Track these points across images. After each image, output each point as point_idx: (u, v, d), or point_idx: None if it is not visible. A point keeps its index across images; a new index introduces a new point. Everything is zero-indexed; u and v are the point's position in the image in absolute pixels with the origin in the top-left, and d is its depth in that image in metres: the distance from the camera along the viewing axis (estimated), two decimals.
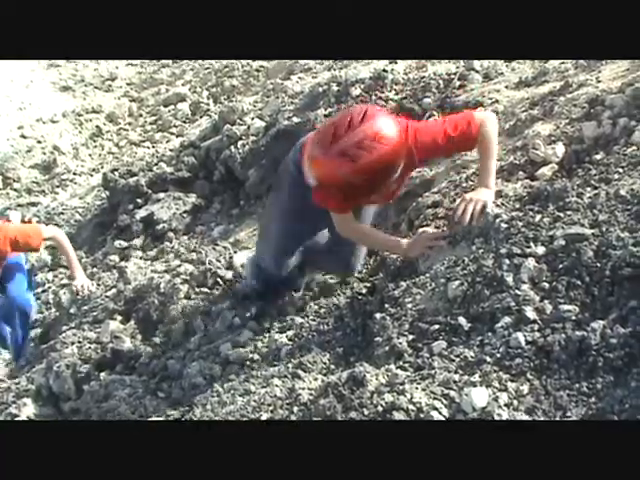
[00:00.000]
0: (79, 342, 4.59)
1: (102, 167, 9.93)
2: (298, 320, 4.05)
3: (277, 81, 8.06)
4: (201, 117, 10.07)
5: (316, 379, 3.36)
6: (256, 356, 3.89)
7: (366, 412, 2.87)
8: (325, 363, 3.52)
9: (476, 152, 3.92)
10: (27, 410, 4.17)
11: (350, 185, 3.52)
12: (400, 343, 3.23)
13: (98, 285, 5.94)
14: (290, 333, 3.99)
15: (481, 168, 3.85)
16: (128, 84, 12.09)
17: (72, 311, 5.52)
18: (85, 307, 5.53)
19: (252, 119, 6.87)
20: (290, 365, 3.63)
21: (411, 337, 3.25)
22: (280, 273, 4.21)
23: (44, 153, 10.54)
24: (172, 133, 10.09)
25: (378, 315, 3.52)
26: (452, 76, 5.75)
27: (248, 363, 3.86)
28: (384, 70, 6.23)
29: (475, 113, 3.88)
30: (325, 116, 6.23)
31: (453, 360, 2.96)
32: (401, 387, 2.89)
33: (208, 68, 11.16)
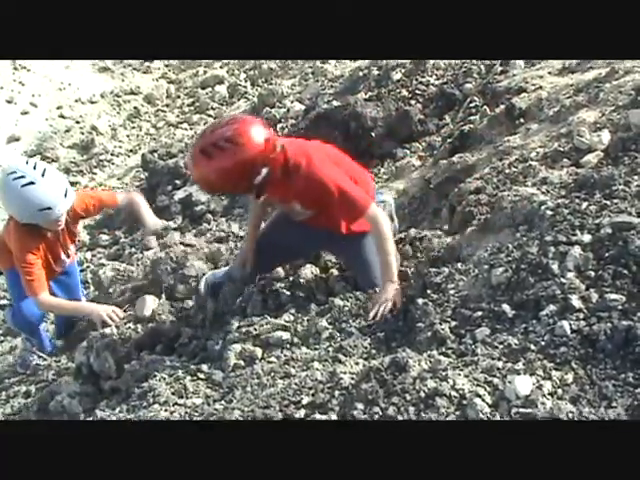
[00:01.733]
0: (119, 320, 4.61)
1: (140, 148, 9.98)
2: (338, 303, 4.04)
3: (317, 64, 8.03)
4: (238, 100, 10.07)
5: (357, 363, 3.35)
6: (296, 339, 3.89)
7: (408, 397, 2.86)
8: (366, 347, 3.51)
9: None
10: (68, 388, 4.20)
11: (208, 182, 3.89)
12: (443, 329, 3.22)
13: (137, 266, 5.97)
14: (330, 316, 3.98)
15: (381, 264, 3.93)
16: (166, 66, 12.14)
17: (111, 290, 5.56)
18: (122, 287, 5.57)
19: (291, 102, 6.87)
20: (331, 349, 3.63)
21: (454, 323, 3.25)
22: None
23: (82, 133, 10.61)
24: (209, 115, 10.10)
25: (420, 301, 3.51)
26: (494, 62, 5.69)
27: (288, 346, 3.86)
28: None
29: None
30: (365, 100, 6.22)
31: (496, 347, 2.95)
32: (444, 373, 2.88)
33: None
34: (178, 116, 10.57)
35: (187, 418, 3.51)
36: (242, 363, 3.85)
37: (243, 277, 4.44)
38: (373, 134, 6.10)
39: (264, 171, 3.88)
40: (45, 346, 5.31)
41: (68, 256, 5.17)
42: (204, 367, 3.93)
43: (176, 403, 3.69)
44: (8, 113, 10.97)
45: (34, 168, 4.58)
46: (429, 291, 3.58)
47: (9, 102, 11.09)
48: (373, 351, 3.47)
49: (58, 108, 11.06)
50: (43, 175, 4.56)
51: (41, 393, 4.36)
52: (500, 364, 2.83)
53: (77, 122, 10.88)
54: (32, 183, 4.52)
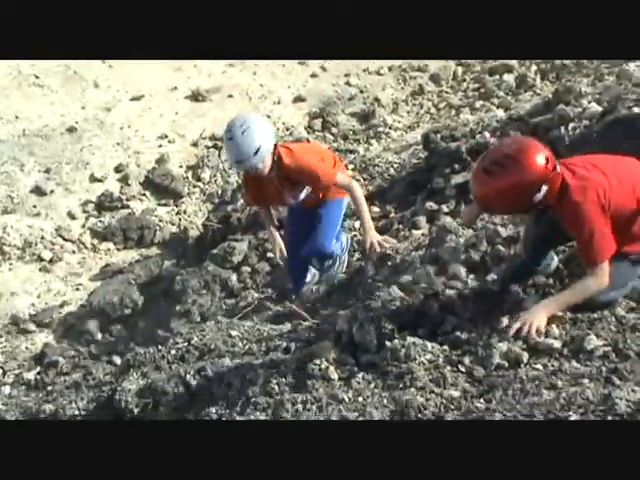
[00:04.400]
0: (386, 296, 4.62)
1: (418, 125, 10.00)
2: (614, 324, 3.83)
3: (622, 66, 7.61)
4: (525, 92, 9.82)
5: (634, 391, 3.15)
6: (566, 351, 3.73)
7: None
8: None
9: None
10: (326, 352, 4.25)
11: (486, 200, 3.95)
12: None
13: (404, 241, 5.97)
14: (605, 334, 3.78)
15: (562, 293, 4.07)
16: None
17: (379, 264, 5.59)
18: (390, 262, 5.59)
19: (589, 102, 6.58)
20: (604, 369, 3.45)
21: None
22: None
23: (364, 103, 10.77)
24: (493, 103, 9.92)
25: None
26: None
27: (557, 356, 3.71)
28: None
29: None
30: None
31: None
32: None
33: None
34: (461, 99, 10.47)
35: (442, 409, 3.47)
36: (506, 364, 3.74)
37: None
38: None
39: (544, 189, 3.81)
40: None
41: (293, 198, 5.81)
42: (466, 360, 3.86)
43: (433, 391, 3.66)
44: (299, 73, 11.35)
45: (240, 126, 5.31)
46: None
47: (301, 63, 11.46)
48: None
49: (346, 75, 11.29)
50: (243, 134, 5.28)
51: (300, 352, 4.46)
52: None
53: (361, 91, 11.06)
54: (230, 139, 5.35)
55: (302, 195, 5.77)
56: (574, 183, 3.88)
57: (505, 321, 4.03)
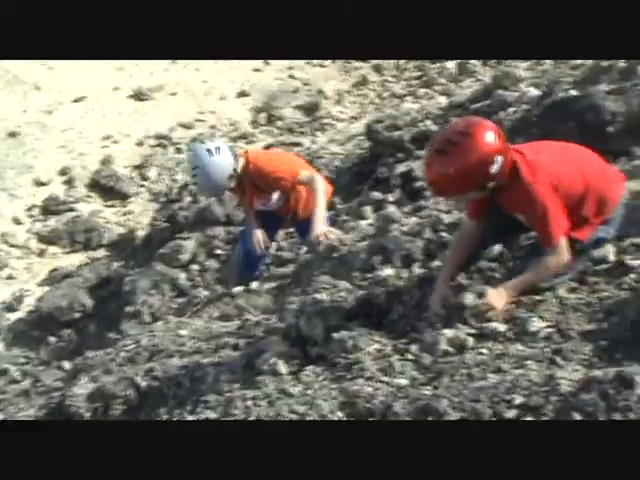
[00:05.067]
0: (333, 288, 4.63)
1: (362, 116, 10.03)
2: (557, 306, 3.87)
3: None
4: (467, 78, 9.91)
5: (577, 370, 3.19)
6: (510, 334, 3.76)
7: (632, 416, 2.70)
8: (586, 355, 3.34)
9: None
10: (275, 347, 4.25)
11: (445, 181, 3.86)
12: None
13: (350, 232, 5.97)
14: (548, 316, 3.82)
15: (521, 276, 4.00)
16: None
17: (325, 256, 5.59)
18: (336, 254, 5.59)
19: (527, 87, 6.64)
20: (548, 350, 3.48)
21: None
22: None
23: (308, 96, 10.78)
24: (435, 91, 10.01)
25: None
26: None
27: (501, 339, 3.74)
28: None
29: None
30: (607, 92, 5.92)
31: None
32: None
33: None
34: (404, 88, 10.54)
35: (391, 397, 3.48)
36: (452, 350, 3.77)
37: None
38: (611, 129, 5.81)
39: (499, 159, 3.79)
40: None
41: (262, 204, 6.03)
42: (412, 348, 3.87)
43: (381, 380, 3.67)
44: (242, 69, 11.32)
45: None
46: None
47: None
48: (594, 360, 3.30)
49: (289, 68, 11.29)
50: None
51: (249, 349, 4.45)
52: None
53: (305, 84, 11.08)
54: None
55: (273, 200, 5.96)
56: (524, 165, 3.88)
57: (470, 297, 3.99)
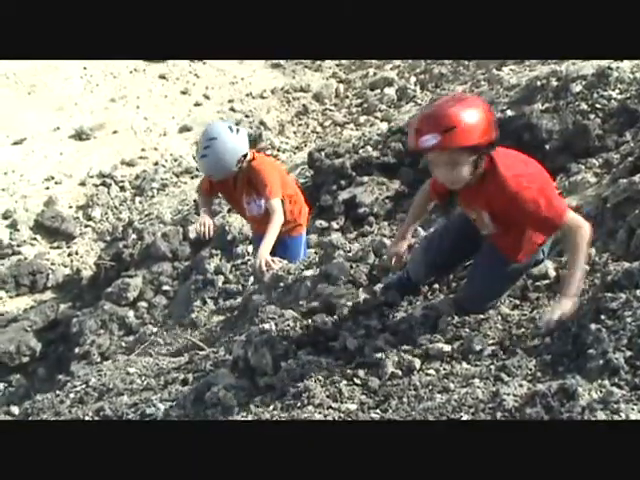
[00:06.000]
0: (279, 317, 4.62)
1: (305, 145, 10.09)
2: (500, 323, 3.91)
3: (493, 72, 7.85)
4: (407, 103, 10.02)
5: (521, 385, 3.22)
6: (456, 353, 3.79)
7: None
8: (531, 369, 3.38)
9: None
10: (224, 380, 4.23)
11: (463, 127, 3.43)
12: (617, 358, 3.04)
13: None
14: (492, 333, 3.86)
15: (567, 276, 3.65)
16: (337, 65, 12.20)
17: (271, 285, 5.58)
18: (282, 283, 5.59)
19: None
20: (493, 367, 3.51)
21: (629, 353, 3.06)
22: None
23: (251, 127, 10.81)
24: (376, 117, 10.09)
25: (593, 326, 3.33)
26: None
27: (448, 359, 3.77)
28: (609, 68, 5.95)
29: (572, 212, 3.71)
30: (542, 111, 6.04)
31: None
32: (615, 406, 2.73)
33: None
34: (345, 116, 10.62)
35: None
36: (399, 372, 3.78)
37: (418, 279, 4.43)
38: (547, 147, 5.91)
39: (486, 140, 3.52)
40: None
41: (247, 203, 6.01)
42: (360, 372, 3.88)
43: (330, 407, 3.66)
44: (182, 104, 11.32)
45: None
46: (603, 316, 3.39)
47: (184, 93, 11.43)
48: (539, 374, 3.33)
49: (230, 101, 11.33)
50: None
51: (198, 383, 4.42)
52: None
53: (247, 116, 11.12)
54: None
55: (260, 204, 5.92)
56: (501, 164, 3.63)
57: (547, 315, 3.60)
